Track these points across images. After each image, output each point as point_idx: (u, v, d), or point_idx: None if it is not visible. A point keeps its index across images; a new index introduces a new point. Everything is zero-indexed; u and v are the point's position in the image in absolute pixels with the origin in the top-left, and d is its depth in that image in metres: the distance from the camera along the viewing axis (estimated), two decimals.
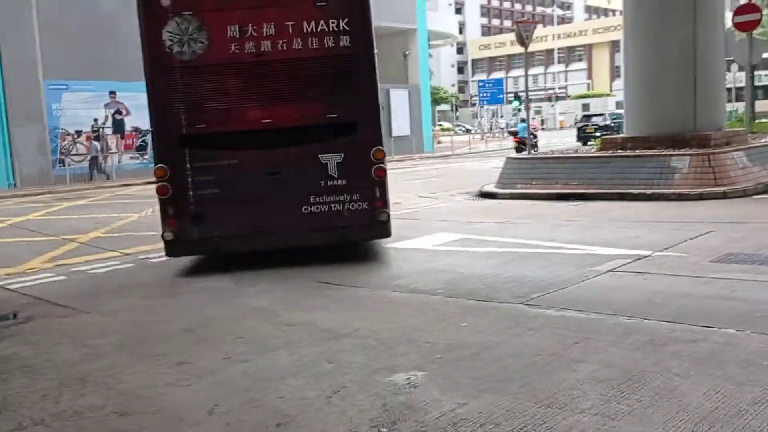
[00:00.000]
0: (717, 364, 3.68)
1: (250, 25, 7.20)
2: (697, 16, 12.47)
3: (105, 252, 9.16)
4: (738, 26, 15.12)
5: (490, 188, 14.09)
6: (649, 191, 11.52)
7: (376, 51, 7.56)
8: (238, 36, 7.22)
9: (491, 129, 51.75)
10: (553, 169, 13.23)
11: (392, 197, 14.11)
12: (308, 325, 5.02)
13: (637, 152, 12.52)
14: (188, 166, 7.35)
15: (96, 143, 24.84)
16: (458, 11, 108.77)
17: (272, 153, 7.40)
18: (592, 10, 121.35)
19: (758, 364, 3.64)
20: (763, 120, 23.83)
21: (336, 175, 7.40)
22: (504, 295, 5.56)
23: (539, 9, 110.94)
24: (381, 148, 7.46)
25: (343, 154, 7.40)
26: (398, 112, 34.54)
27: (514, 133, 27.55)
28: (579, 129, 35.34)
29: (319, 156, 7.38)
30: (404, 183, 18.01)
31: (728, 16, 16.33)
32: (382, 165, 7.45)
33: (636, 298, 5.20)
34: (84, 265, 8.27)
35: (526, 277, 6.17)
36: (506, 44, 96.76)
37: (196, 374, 4.08)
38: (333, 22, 7.28)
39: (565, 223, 9.54)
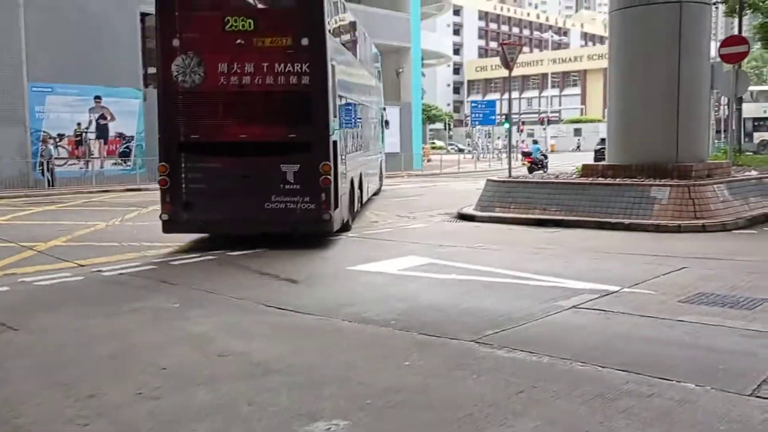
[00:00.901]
0: (668, 427, 3.34)
1: (235, 64, 9.57)
2: (681, 48, 12.29)
3: (59, 262, 8.76)
4: (724, 58, 14.97)
5: (469, 210, 13.79)
6: (627, 221, 11.25)
7: (331, 88, 9.84)
8: (226, 72, 9.60)
9: (490, 149, 51.51)
10: (532, 194, 12.94)
11: (370, 215, 13.95)
12: (241, 356, 4.66)
13: (618, 181, 12.26)
14: (183, 166, 9.75)
15: (51, 147, 24.25)
16: (456, 32, 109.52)
17: (245, 160, 9.70)
18: (588, 37, 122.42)
19: (713, 428, 3.30)
20: (749, 153, 23.74)
21: (292, 181, 9.61)
22: (457, 329, 5.22)
23: (536, 33, 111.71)
24: (328, 162, 9.59)
25: (298, 165, 9.59)
26: (389, 128, 34.18)
27: (527, 154, 28.83)
28: (596, 152, 35.24)
29: (281, 165, 9.60)
30: (385, 201, 17.69)
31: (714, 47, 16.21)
32: (328, 176, 9.59)
33: (595, 341, 4.86)
34: (32, 276, 7.86)
35: (484, 310, 5.83)
36: (502, 67, 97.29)
37: (99, 411, 3.70)
38: (297, 65, 9.56)
39: (537, 251, 9.23)
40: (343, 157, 11.11)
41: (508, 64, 14.81)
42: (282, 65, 9.64)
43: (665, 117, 12.56)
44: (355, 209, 12.88)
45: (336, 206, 10.00)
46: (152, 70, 38.38)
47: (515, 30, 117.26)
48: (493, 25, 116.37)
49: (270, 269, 7.96)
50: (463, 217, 13.47)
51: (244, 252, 9.37)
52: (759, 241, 9.82)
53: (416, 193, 20.69)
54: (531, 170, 24.75)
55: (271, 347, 4.87)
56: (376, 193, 18.84)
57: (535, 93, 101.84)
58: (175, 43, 9.73)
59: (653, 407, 3.58)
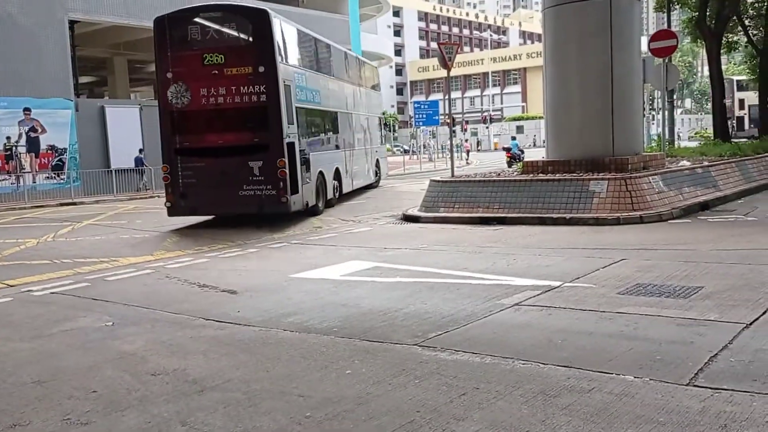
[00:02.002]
0: (608, 421, 3.33)
1: (212, 89, 13.09)
2: (613, 43, 12.56)
3: None
4: (654, 52, 15.39)
5: (414, 212, 13.78)
6: (568, 216, 11.41)
7: (284, 102, 13.15)
8: (206, 95, 13.15)
9: (442, 149, 51.54)
10: (475, 193, 13.02)
11: (313, 221, 13.78)
12: (175, 374, 4.47)
13: (557, 176, 12.44)
14: (179, 165, 13.31)
15: None
16: (397, 33, 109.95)
17: (223, 160, 13.15)
18: (526, 35, 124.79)
19: (652, 420, 3.30)
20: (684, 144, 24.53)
21: (258, 174, 13.00)
22: (400, 334, 5.14)
23: (475, 33, 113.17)
24: (283, 159, 12.96)
25: (261, 162, 12.99)
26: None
27: (507, 149, 31.45)
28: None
29: (248, 162, 13.01)
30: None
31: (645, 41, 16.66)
32: (284, 169, 12.96)
33: (537, 338, 4.86)
34: None
35: (428, 312, 5.77)
36: (429, 68, 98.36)
37: None
38: (256, 87, 12.96)
39: (481, 249, 9.25)
40: (305, 154, 14.43)
41: (446, 64, 14.87)
42: (246, 87, 13.07)
43: (600, 111, 12.82)
44: (329, 196, 16.29)
45: (294, 192, 13.34)
46: (84, 79, 37.26)
47: (455, 30, 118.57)
48: (433, 26, 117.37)
49: (209, 281, 7.74)
50: (408, 218, 13.45)
51: (182, 264, 9.11)
52: (693, 231, 10.09)
53: (362, 196, 20.59)
54: (510, 164, 27.20)
55: (207, 363, 4.69)
56: (371, 186, 21.79)
57: (477, 92, 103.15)
58: (169, 75, 13.35)
59: (594, 402, 3.58)
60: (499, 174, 14.41)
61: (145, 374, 4.51)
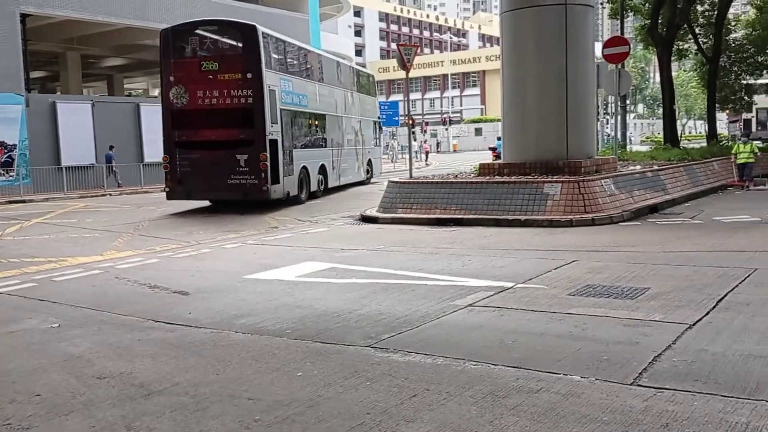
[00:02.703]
0: (554, 421, 3.38)
1: (207, 91, 15.39)
2: (568, 49, 12.80)
3: None
4: (607, 58, 15.72)
5: (372, 212, 13.79)
6: (523, 217, 11.58)
7: (267, 103, 15.40)
8: (201, 96, 15.44)
9: (401, 149, 51.56)
10: (433, 194, 13.11)
11: (269, 221, 13.67)
12: (122, 378, 4.37)
13: (513, 178, 12.61)
14: (177, 156, 15.63)
15: None
16: (358, 34, 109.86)
17: (215, 152, 15.42)
18: (485, 39, 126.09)
19: (597, 420, 3.37)
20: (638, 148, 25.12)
21: (243, 165, 15.29)
22: (354, 336, 5.14)
23: (436, 35, 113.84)
24: (265, 153, 15.21)
25: (247, 155, 15.26)
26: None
27: (493, 149, 32.27)
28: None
29: (236, 155, 15.33)
30: (285, 206, 17.43)
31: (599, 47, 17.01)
32: (265, 162, 15.20)
33: (488, 339, 4.91)
34: None
35: (382, 313, 5.78)
36: (388, 69, 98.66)
37: None
38: (244, 90, 15.30)
39: (437, 250, 9.31)
40: (288, 150, 16.62)
41: (405, 65, 14.94)
42: (235, 90, 15.43)
43: (555, 115, 13.05)
44: (312, 189, 18.36)
45: (275, 182, 15.64)
46: (36, 74, 36.21)
47: (416, 31, 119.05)
48: (393, 27, 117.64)
49: (161, 282, 7.60)
50: (366, 219, 13.46)
51: (133, 264, 8.94)
52: (642, 233, 10.34)
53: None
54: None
55: (155, 366, 4.60)
56: (362, 183, 23.26)
57: (437, 93, 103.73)
58: (171, 78, 15.72)
59: (541, 402, 3.63)
60: (456, 176, 14.53)
61: (91, 377, 4.40)
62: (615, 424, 3.30)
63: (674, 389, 3.72)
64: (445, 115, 75.21)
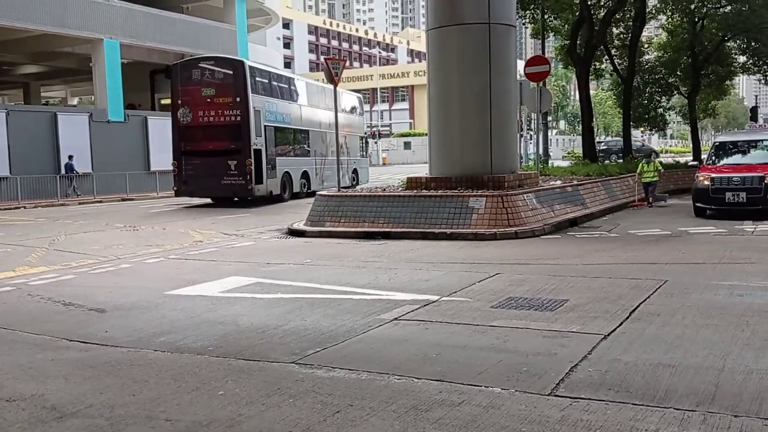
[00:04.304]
0: None
1: (206, 111, 20.34)
2: (492, 66, 13.14)
3: None
4: (529, 77, 16.25)
5: (300, 226, 13.69)
6: (449, 231, 11.76)
7: (253, 121, 20.08)
8: (201, 115, 20.38)
9: None
10: (361, 207, 13.14)
11: (194, 234, 13.36)
12: (33, 400, 4.16)
13: (440, 192, 12.80)
14: (183, 162, 20.58)
15: None
16: (287, 46, 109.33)
17: (212, 159, 20.16)
18: (414, 54, 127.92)
19: (516, 431, 3.45)
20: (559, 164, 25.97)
21: (233, 169, 19.90)
22: (278, 352, 5.07)
23: (365, 49, 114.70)
24: (250, 159, 19.77)
25: (236, 161, 19.80)
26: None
27: None
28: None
29: (227, 161, 19.93)
30: (210, 218, 17.09)
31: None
32: (250, 167, 19.72)
33: (413, 353, 4.95)
34: None
35: (307, 329, 5.74)
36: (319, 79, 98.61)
37: None
38: (235, 110, 20.09)
39: (364, 264, 9.33)
40: (272, 157, 21.21)
41: (333, 79, 14.98)
42: (228, 110, 20.26)
43: (480, 131, 13.34)
44: (295, 190, 22.77)
45: (259, 183, 20.27)
46: None
47: (345, 45, 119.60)
48: (323, 40, 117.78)
49: (75, 299, 7.29)
50: (294, 232, 13.35)
51: (47, 280, 8.55)
52: (562, 246, 10.69)
53: (246, 211, 20.22)
54: None
55: (69, 387, 4.41)
56: (346, 188, 24.51)
57: (366, 107, 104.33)
58: (179, 101, 20.76)
59: (462, 415, 3.68)
60: (384, 189, 14.63)
61: (0, 401, 4.17)
62: None
63: (589, 399, 3.85)
64: (374, 129, 75.72)
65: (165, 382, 4.45)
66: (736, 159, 14.59)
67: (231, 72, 20.72)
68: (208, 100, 20.37)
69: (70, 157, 26.06)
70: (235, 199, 21.23)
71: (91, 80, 30.00)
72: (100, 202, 25.27)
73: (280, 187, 21.52)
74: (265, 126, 20.82)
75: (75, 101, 45.68)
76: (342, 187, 24.44)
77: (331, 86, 25.19)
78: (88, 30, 27.90)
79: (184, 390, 4.28)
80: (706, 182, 13.72)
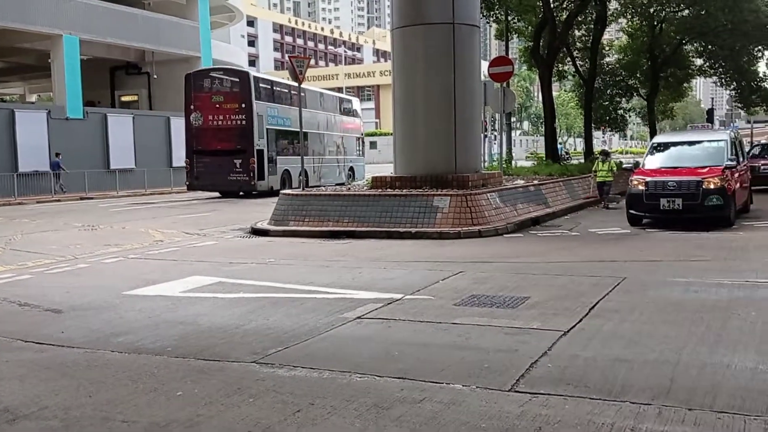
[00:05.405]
0: (436, 430, 3.45)
1: (215, 115, 23.77)
2: (456, 66, 13.22)
3: None
4: (493, 77, 16.41)
5: (264, 225, 13.57)
6: (414, 230, 11.79)
7: (256, 124, 23.59)
8: (211, 119, 23.80)
9: None
10: (326, 207, 13.09)
11: (154, 234, 13.15)
12: None
13: (405, 192, 12.83)
14: (194, 160, 24.12)
15: None
16: (252, 44, 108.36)
17: (220, 158, 23.62)
18: (380, 53, 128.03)
19: (476, 427, 3.47)
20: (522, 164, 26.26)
21: (239, 167, 23.37)
22: (239, 352, 5.02)
23: (330, 48, 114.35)
24: (253, 158, 23.16)
25: (241, 160, 23.35)
26: (180, 141, 32.70)
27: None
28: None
29: (234, 160, 23.41)
30: (171, 219, 16.86)
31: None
32: (253, 165, 23.13)
33: (375, 351, 4.95)
34: None
35: (270, 328, 5.69)
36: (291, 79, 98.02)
37: None
38: (240, 115, 23.52)
39: (329, 263, 9.30)
40: (273, 156, 24.24)
41: (297, 77, 14.90)
42: (235, 115, 23.33)
43: (444, 131, 13.41)
44: (294, 186, 23.81)
45: (260, 179, 23.34)
46: None
47: (310, 44, 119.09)
48: (288, 38, 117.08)
49: (31, 299, 7.11)
50: (257, 232, 13.23)
51: (2, 280, 8.32)
52: (525, 244, 10.82)
53: (211, 209, 20.00)
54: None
55: (22, 389, 4.29)
56: (341, 184, 26.36)
57: None
58: (191, 107, 23.90)
59: (424, 412, 3.69)
60: (349, 188, 14.61)
61: None
62: (492, 431, 3.41)
63: (548, 394, 3.89)
64: None
65: (122, 383, 4.37)
66: (674, 161, 12.88)
67: (237, 81, 24.04)
68: (217, 105, 23.57)
69: (57, 155, 26.31)
70: (241, 193, 24.03)
71: (50, 77, 29.32)
72: (59, 201, 24.71)
73: (280, 182, 23.95)
74: (267, 129, 23.92)
75: (34, 98, 44.57)
76: (337, 184, 26.93)
77: (330, 93, 26.54)
78: (47, 26, 27.27)
79: (141, 391, 4.20)
80: (640, 187, 12.12)
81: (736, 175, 12.47)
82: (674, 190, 11.81)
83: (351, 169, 31.55)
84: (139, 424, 3.66)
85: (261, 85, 24.54)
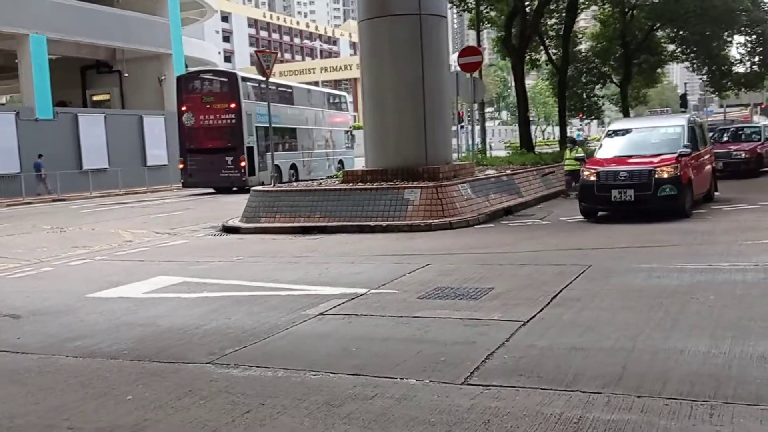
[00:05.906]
0: (384, 426, 3.42)
1: (206, 115, 24.90)
2: (424, 57, 13.16)
3: None
4: (462, 67, 16.38)
5: (235, 222, 13.46)
6: (385, 223, 11.75)
7: (245, 123, 24.66)
8: (203, 118, 24.93)
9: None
10: (297, 202, 13.01)
11: (124, 234, 12.99)
12: None
13: (375, 185, 12.78)
14: (188, 158, 25.26)
15: None
16: (226, 39, 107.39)
17: (212, 156, 24.63)
18: (356, 46, 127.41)
19: (425, 422, 3.44)
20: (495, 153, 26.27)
21: (230, 164, 24.49)
22: (196, 352, 4.95)
23: (306, 42, 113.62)
24: (243, 156, 24.35)
25: (232, 157, 24.45)
26: (153, 140, 32.53)
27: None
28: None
29: (225, 157, 24.50)
30: (142, 218, 16.67)
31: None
32: (243, 162, 24.30)
33: (333, 347, 4.91)
34: None
35: (230, 327, 5.63)
36: (275, 74, 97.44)
37: None
38: (230, 114, 24.63)
39: (297, 259, 9.24)
40: (262, 153, 24.59)
41: (264, 72, 14.77)
42: (224, 114, 24.42)
43: (414, 123, 13.36)
44: (284, 180, 24.78)
45: (251, 175, 24.15)
46: None
47: (286, 38, 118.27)
48: (263, 33, 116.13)
49: None
50: (228, 229, 13.11)
51: None
52: (495, 235, 10.82)
53: (183, 207, 19.80)
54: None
55: None
56: (333, 177, 27.08)
57: None
58: (183, 107, 25.08)
59: (374, 408, 3.66)
60: (320, 183, 14.52)
61: None
62: (441, 425, 3.39)
63: (500, 386, 3.87)
64: None
65: (72, 389, 4.28)
66: (628, 150, 12.10)
67: (226, 81, 25.14)
68: (208, 106, 24.65)
69: (40, 156, 26.33)
70: (234, 189, 24.41)
71: (18, 77, 28.81)
72: (29, 203, 24.34)
73: (269, 177, 23.97)
74: (256, 126, 24.63)
75: (3, 99, 43.80)
76: (328, 177, 26.94)
77: (318, 89, 24.94)
78: (12, 25, 26.77)
79: (90, 396, 4.13)
80: (591, 178, 11.42)
81: (694, 162, 11.87)
82: (626, 181, 11.09)
83: (341, 162, 32.07)
84: (84, 430, 3.59)
85: (249, 84, 25.41)
